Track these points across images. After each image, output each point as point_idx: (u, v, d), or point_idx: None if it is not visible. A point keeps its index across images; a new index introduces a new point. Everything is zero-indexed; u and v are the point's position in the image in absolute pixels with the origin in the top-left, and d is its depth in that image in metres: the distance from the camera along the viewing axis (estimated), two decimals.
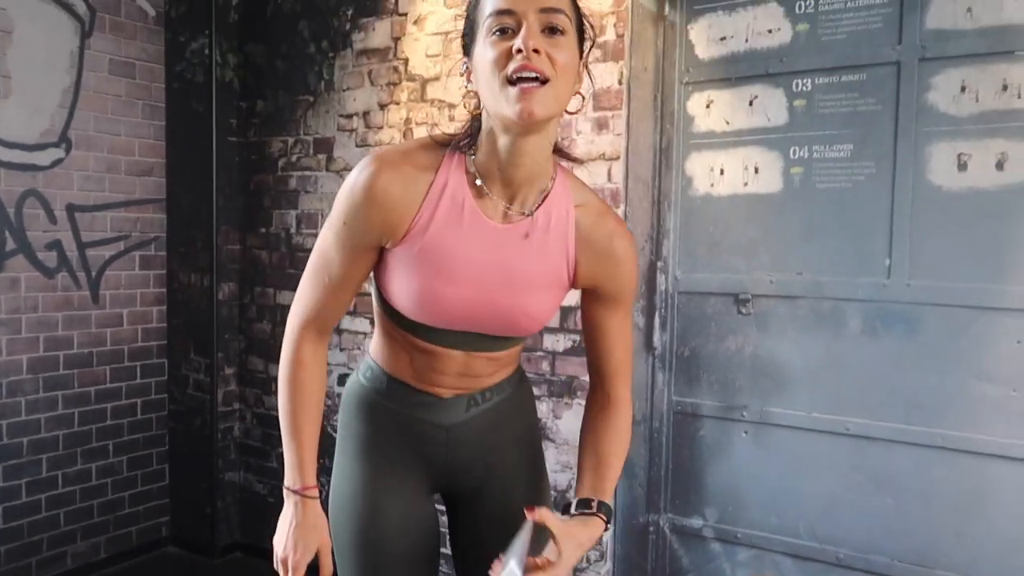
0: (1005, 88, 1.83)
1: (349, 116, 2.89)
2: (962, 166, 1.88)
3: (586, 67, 1.09)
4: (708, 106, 2.21)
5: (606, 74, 2.31)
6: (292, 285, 3.06)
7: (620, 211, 2.29)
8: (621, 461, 1.22)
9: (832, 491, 2.06)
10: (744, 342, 2.18)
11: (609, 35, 2.30)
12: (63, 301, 2.94)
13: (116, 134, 3.07)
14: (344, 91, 2.90)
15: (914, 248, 1.94)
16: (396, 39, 2.75)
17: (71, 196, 2.94)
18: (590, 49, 1.10)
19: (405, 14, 2.73)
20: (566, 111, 1.05)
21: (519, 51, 0.95)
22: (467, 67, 1.07)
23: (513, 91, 0.96)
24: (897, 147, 1.95)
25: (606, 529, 1.14)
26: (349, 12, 2.86)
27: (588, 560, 2.41)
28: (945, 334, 1.92)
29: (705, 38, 2.21)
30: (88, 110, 2.97)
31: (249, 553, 3.22)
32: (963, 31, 1.87)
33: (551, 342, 2.46)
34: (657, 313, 2.30)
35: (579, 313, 1.27)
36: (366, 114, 2.85)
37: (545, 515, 1.05)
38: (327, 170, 2.97)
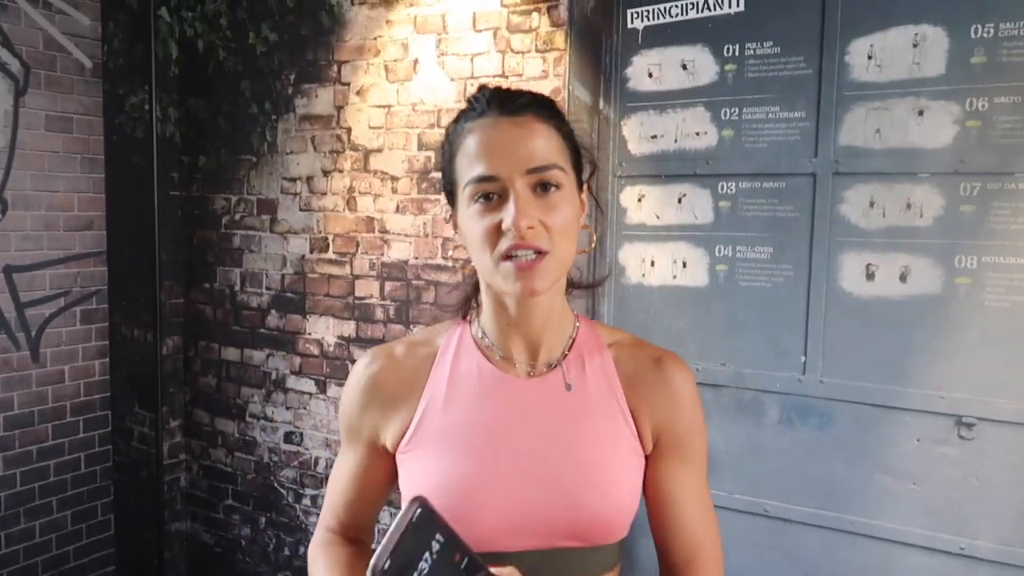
0: (909, 206, 1.97)
1: (293, 180, 2.92)
2: (870, 275, 2.02)
3: (589, 191, 0.97)
4: (640, 200, 2.31)
5: None
6: (237, 342, 3.12)
7: None
8: None
9: (751, 567, 2.21)
10: None
11: None
12: (2, 364, 2.92)
13: (54, 190, 3.04)
14: (287, 154, 2.92)
15: (827, 348, 2.08)
16: (339, 108, 2.78)
17: (8, 257, 2.91)
18: (591, 175, 0.98)
19: (348, 84, 2.75)
20: (579, 251, 0.94)
21: (510, 230, 0.84)
22: (452, 217, 0.94)
23: (509, 267, 0.85)
24: (812, 253, 2.08)
25: None
26: (292, 76, 2.87)
27: None
28: (854, 428, 2.07)
29: (637, 135, 2.30)
30: (24, 169, 2.93)
31: None
32: (872, 150, 2.00)
33: None
34: None
35: None
36: (309, 179, 2.88)
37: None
38: (271, 231, 2.99)
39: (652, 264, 2.31)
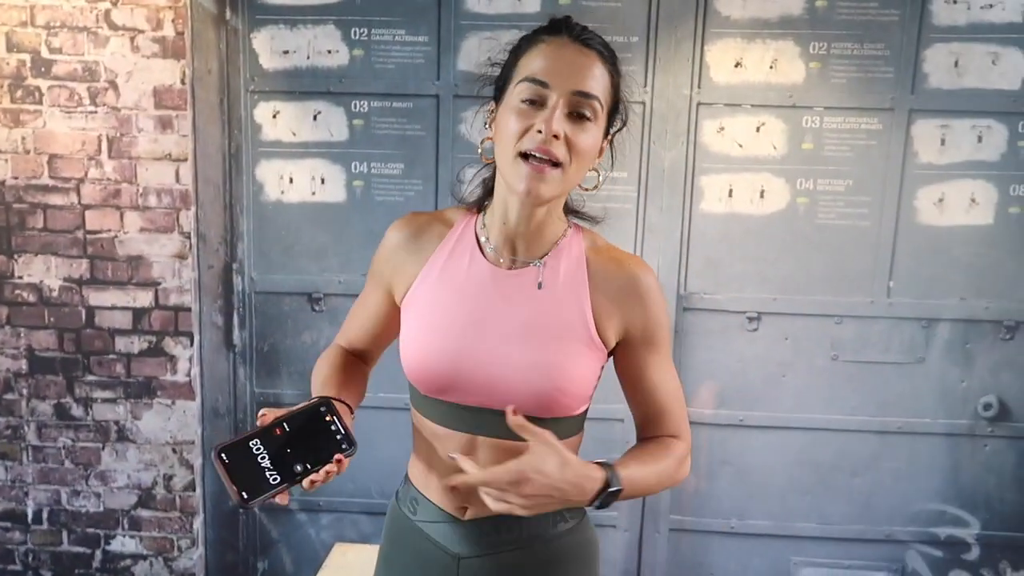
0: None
1: None
2: None
3: (611, 143, 1.06)
4: (275, 116, 2.31)
5: (166, 72, 2.25)
6: None
7: (191, 213, 2.30)
8: (658, 467, 1.04)
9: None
10: (319, 336, 2.40)
11: (168, 31, 2.23)
12: None
13: None
14: None
15: None
16: None
17: None
18: (619, 128, 1.07)
19: None
20: (580, 187, 1.05)
21: (540, 132, 0.93)
22: (492, 115, 1.03)
23: (524, 167, 0.94)
24: (439, 168, 2.30)
25: (599, 498, 0.94)
26: None
27: (180, 548, 2.49)
28: None
29: (269, 49, 2.27)
30: None
31: None
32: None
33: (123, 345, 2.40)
34: (235, 312, 2.39)
35: None
36: None
37: (525, 423, 0.91)
38: None
39: (291, 181, 2.34)
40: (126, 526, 2.50)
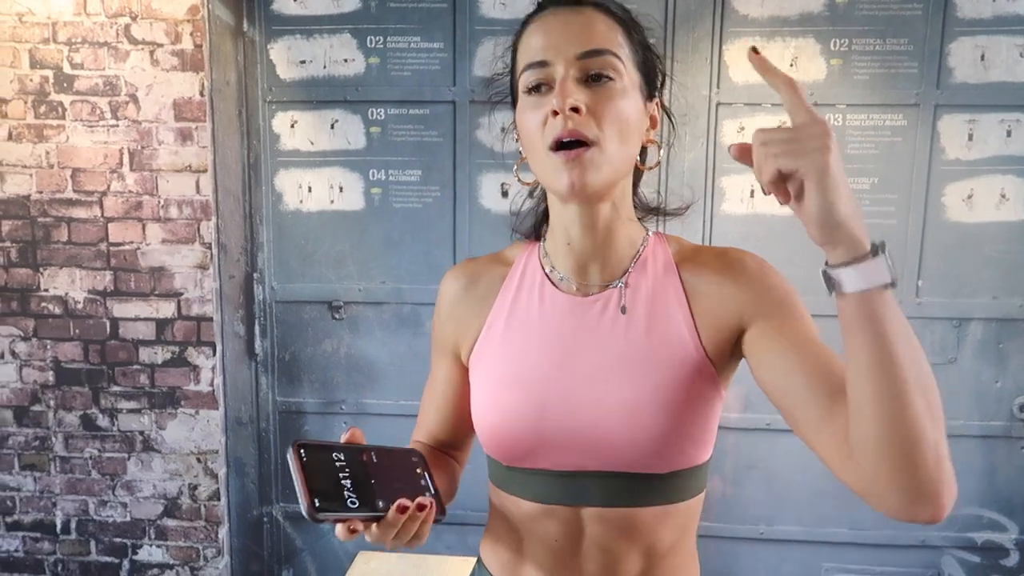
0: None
1: None
2: (504, 193, 2.29)
3: (661, 106, 0.91)
4: (293, 126, 2.31)
5: (186, 84, 2.27)
6: None
7: (211, 224, 2.32)
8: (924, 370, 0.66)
9: None
10: (339, 344, 2.41)
11: (186, 44, 2.25)
12: None
13: None
14: None
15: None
16: None
17: None
18: (662, 84, 0.91)
19: None
20: (639, 167, 0.89)
21: (556, 113, 0.79)
22: (514, 126, 0.89)
23: (557, 159, 0.79)
24: (456, 174, 2.29)
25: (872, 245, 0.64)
26: None
27: (205, 558, 2.50)
28: None
29: (286, 59, 2.29)
30: None
31: None
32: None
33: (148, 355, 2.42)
34: (257, 322, 2.40)
35: None
36: None
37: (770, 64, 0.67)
38: None
39: (309, 190, 2.34)
40: (152, 536, 2.52)
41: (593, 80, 0.80)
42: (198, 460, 2.46)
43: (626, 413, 0.82)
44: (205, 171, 2.32)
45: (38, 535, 2.54)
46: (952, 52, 2.17)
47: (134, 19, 2.26)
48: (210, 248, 2.34)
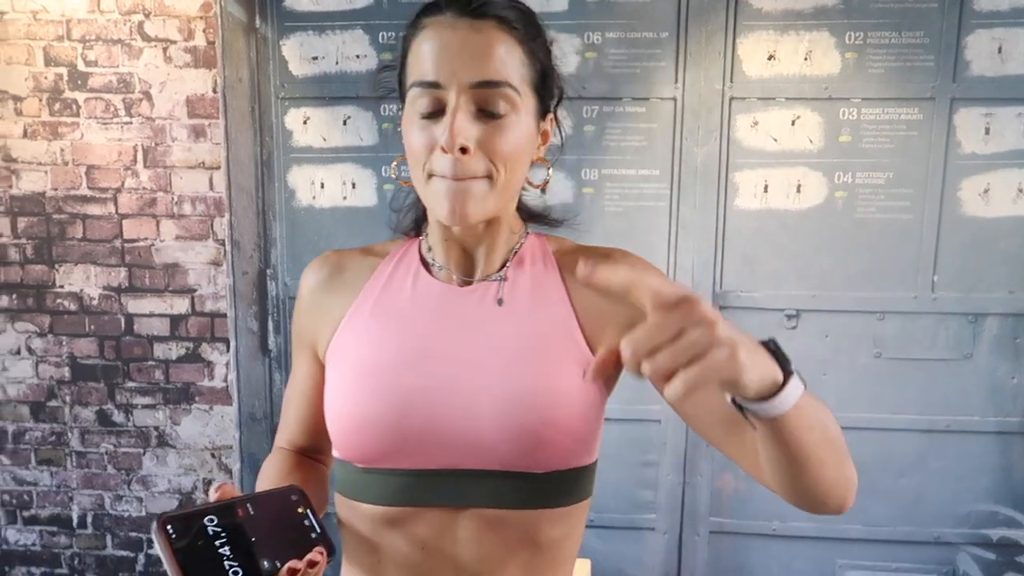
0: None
1: None
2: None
3: (555, 121, 0.86)
4: (305, 122, 2.32)
5: (199, 81, 2.28)
6: None
7: (225, 220, 2.33)
8: (830, 416, 0.70)
9: None
10: None
11: (199, 41, 2.26)
12: None
13: None
14: None
15: None
16: None
17: None
18: (558, 101, 0.85)
19: None
20: (529, 184, 0.85)
21: (444, 150, 0.73)
22: (401, 122, 0.81)
23: (440, 185, 0.75)
24: None
25: (783, 365, 0.60)
26: None
27: None
28: None
29: (298, 56, 2.29)
30: None
31: None
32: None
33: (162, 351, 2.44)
34: (270, 318, 2.41)
35: None
36: None
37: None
38: None
39: (322, 186, 2.35)
40: None
41: (488, 115, 0.75)
42: (212, 455, 2.48)
43: (498, 407, 0.77)
44: (218, 167, 2.32)
45: (55, 529, 2.56)
46: (969, 45, 2.14)
47: (147, 16, 2.27)
48: (223, 244, 2.35)
